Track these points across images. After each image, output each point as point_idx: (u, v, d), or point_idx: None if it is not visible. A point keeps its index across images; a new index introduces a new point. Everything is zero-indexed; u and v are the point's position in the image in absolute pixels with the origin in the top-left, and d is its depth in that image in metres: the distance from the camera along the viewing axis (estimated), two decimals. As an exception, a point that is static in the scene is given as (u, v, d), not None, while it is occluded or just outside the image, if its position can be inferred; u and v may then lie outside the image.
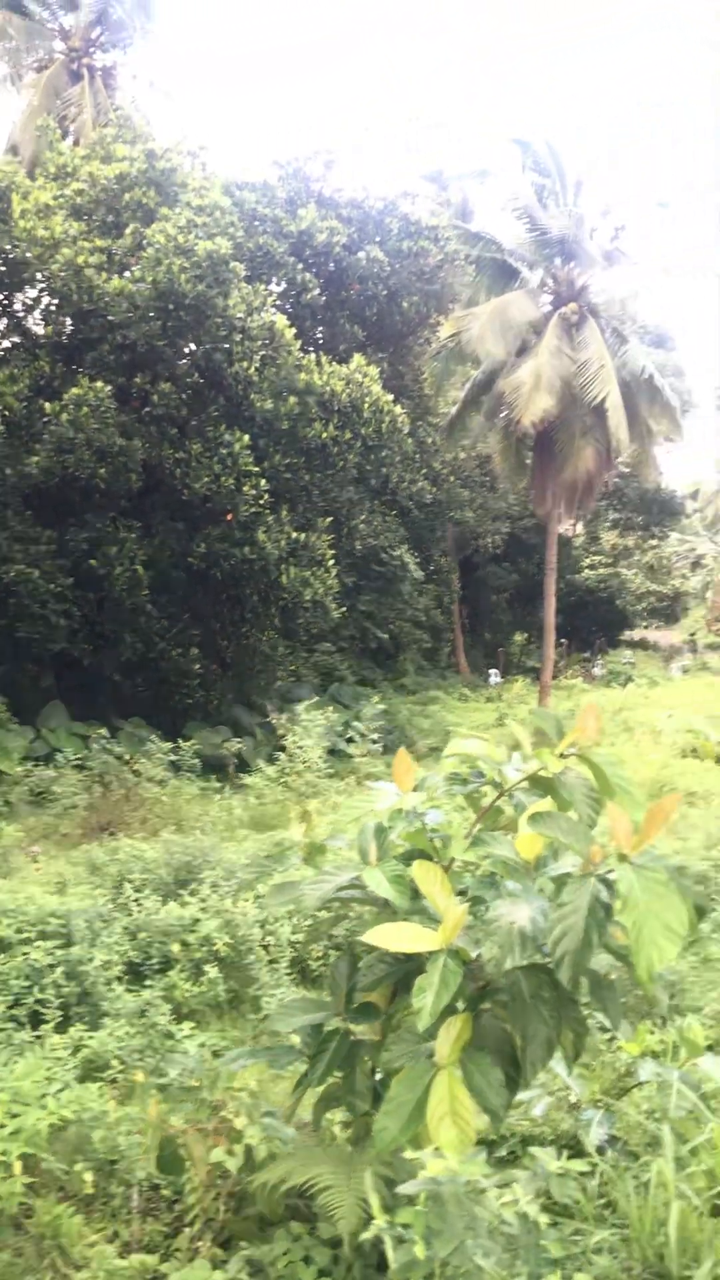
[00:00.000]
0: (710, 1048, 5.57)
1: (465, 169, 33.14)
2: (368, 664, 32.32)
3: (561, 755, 3.53)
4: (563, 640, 49.03)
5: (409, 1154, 2.37)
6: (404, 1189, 2.11)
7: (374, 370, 19.93)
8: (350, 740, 16.95)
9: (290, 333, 18.60)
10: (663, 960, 2.84)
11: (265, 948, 7.32)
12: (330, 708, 16.58)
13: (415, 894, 3.49)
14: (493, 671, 41.83)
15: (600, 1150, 3.73)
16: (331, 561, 19.51)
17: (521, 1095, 4.38)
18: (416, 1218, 2.01)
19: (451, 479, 31.31)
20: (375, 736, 15.84)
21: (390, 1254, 2.08)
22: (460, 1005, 3.19)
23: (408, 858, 3.66)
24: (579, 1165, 2.83)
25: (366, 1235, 2.08)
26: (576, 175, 28.95)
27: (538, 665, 34.06)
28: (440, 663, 40.90)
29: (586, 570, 53.85)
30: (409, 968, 3.37)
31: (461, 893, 3.50)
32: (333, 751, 16.41)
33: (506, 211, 29.69)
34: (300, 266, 21.54)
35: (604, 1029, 4.57)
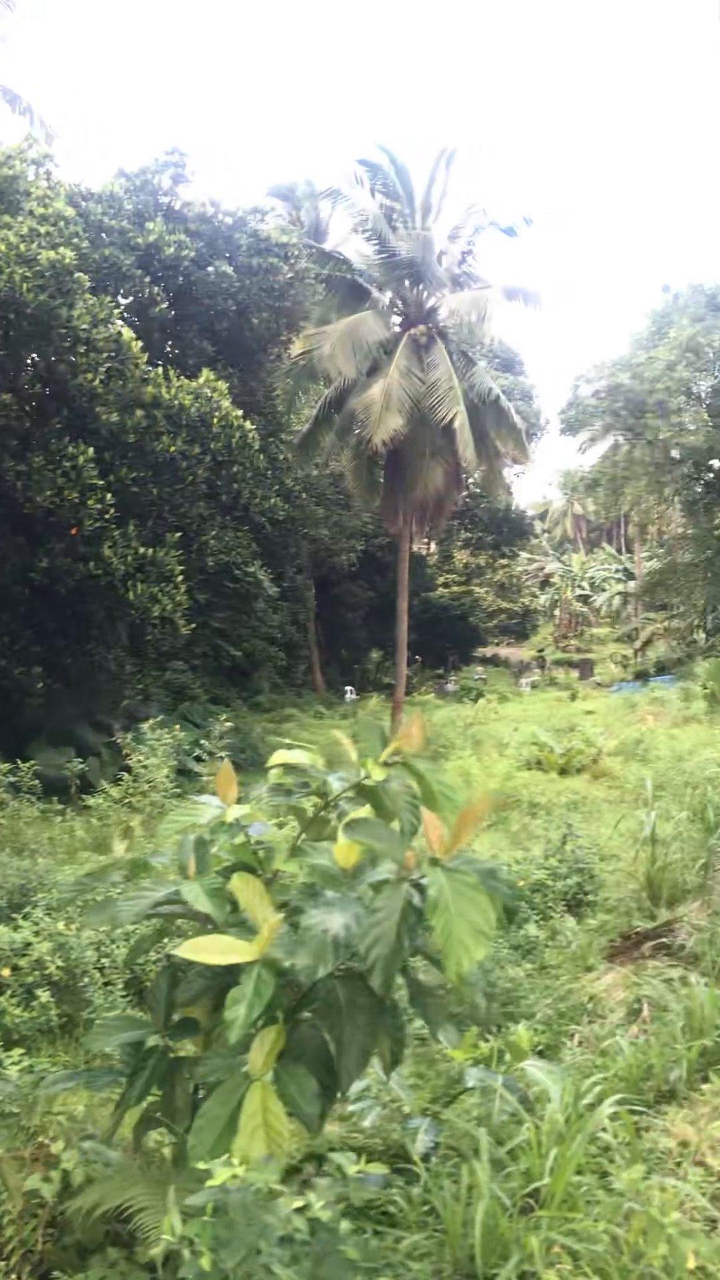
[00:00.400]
0: (542, 1052, 5.70)
1: (318, 188, 33.23)
2: (221, 682, 32.08)
3: (385, 764, 3.54)
4: (417, 657, 49.69)
5: (203, 1165, 2.32)
6: (191, 1200, 2.06)
7: (224, 385, 19.85)
8: (199, 759, 16.74)
9: (137, 345, 18.37)
10: (471, 960, 2.87)
11: (100, 970, 7.15)
12: (178, 726, 16.36)
13: (236, 906, 3.45)
14: (348, 688, 42.11)
15: (425, 1158, 3.75)
16: (181, 577, 19.28)
17: (352, 1106, 4.41)
18: (203, 1229, 1.96)
19: (305, 496, 31.41)
20: (225, 754, 15.66)
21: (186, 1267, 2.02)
22: (280, 1015, 3.16)
23: (232, 870, 3.61)
24: (379, 1168, 2.83)
25: (155, 1251, 2.03)
26: (424, 198, 29.49)
27: (394, 682, 34.40)
28: (296, 680, 40.93)
29: (440, 588, 54.77)
30: (228, 981, 3.32)
31: (285, 904, 3.48)
32: (182, 771, 16.18)
33: (358, 232, 30.11)
34: (148, 280, 21.32)
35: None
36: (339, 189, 28.68)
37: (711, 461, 44.87)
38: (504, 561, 60.69)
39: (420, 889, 3.12)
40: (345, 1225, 2.30)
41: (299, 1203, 2.16)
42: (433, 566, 55.49)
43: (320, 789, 3.81)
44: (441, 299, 29.71)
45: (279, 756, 3.84)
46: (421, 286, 29.75)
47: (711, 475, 45.59)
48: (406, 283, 29.81)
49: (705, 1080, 4.00)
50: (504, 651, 65.89)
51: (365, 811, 3.55)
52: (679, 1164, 3.39)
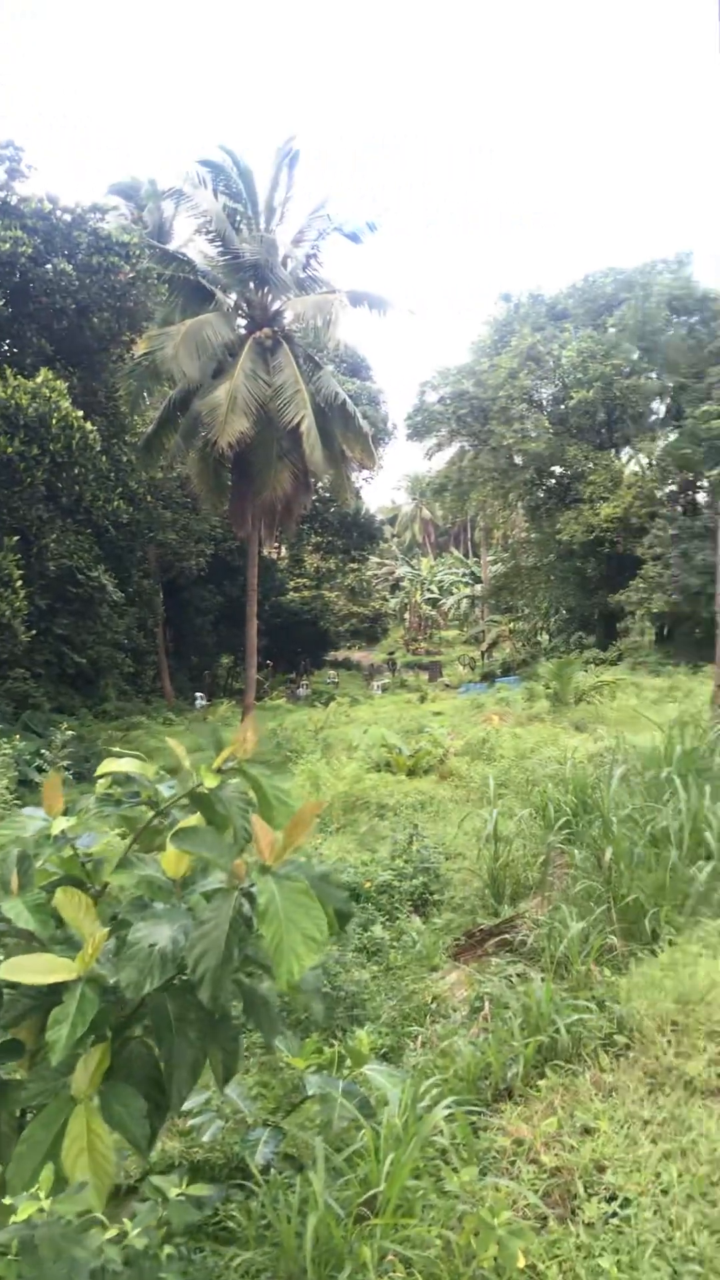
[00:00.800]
0: (386, 1055, 5.69)
1: (161, 187, 32.71)
2: (66, 690, 31.22)
3: (219, 770, 3.47)
4: (268, 662, 49.57)
5: (8, 1201, 2.20)
6: (-1, 1238, 1.94)
7: (63, 385, 19.34)
8: (40, 770, 16.23)
9: (-29, 343, 17.75)
10: (302, 968, 2.82)
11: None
12: (18, 736, 15.83)
13: (62, 922, 3.31)
14: (198, 695, 41.66)
15: (265, 1169, 3.68)
16: (20, 582, 18.68)
17: (193, 1120, 4.30)
18: (8, 1268, 1.85)
19: (150, 499, 30.89)
20: (67, 764, 15.23)
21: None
22: (108, 1033, 3.05)
23: (58, 885, 3.47)
24: (203, 1190, 2.75)
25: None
26: (267, 201, 29.42)
27: (244, 687, 34.18)
28: (144, 687, 40.22)
29: (291, 593, 54.73)
30: (53, 1000, 3.18)
31: (114, 917, 3.36)
32: (24, 782, 15.65)
33: (202, 233, 29.84)
34: (-18, 276, 20.63)
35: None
36: (181, 189, 28.34)
37: (553, 468, 46.24)
38: (354, 565, 61.00)
39: (251, 897, 3.05)
40: (168, 1250, 2.21)
41: (113, 1232, 2.06)
42: (283, 570, 55.41)
43: (151, 798, 3.70)
44: (287, 302, 29.70)
45: (107, 765, 3.72)
46: (266, 289, 29.68)
47: (553, 481, 46.98)
48: (251, 285, 29.69)
49: (541, 1076, 4.05)
50: (355, 655, 66.39)
51: (196, 820, 3.47)
52: (513, 1162, 3.41)
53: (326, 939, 2.92)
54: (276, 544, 53.34)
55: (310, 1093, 4.19)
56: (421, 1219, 3.04)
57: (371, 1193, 3.23)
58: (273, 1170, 3.71)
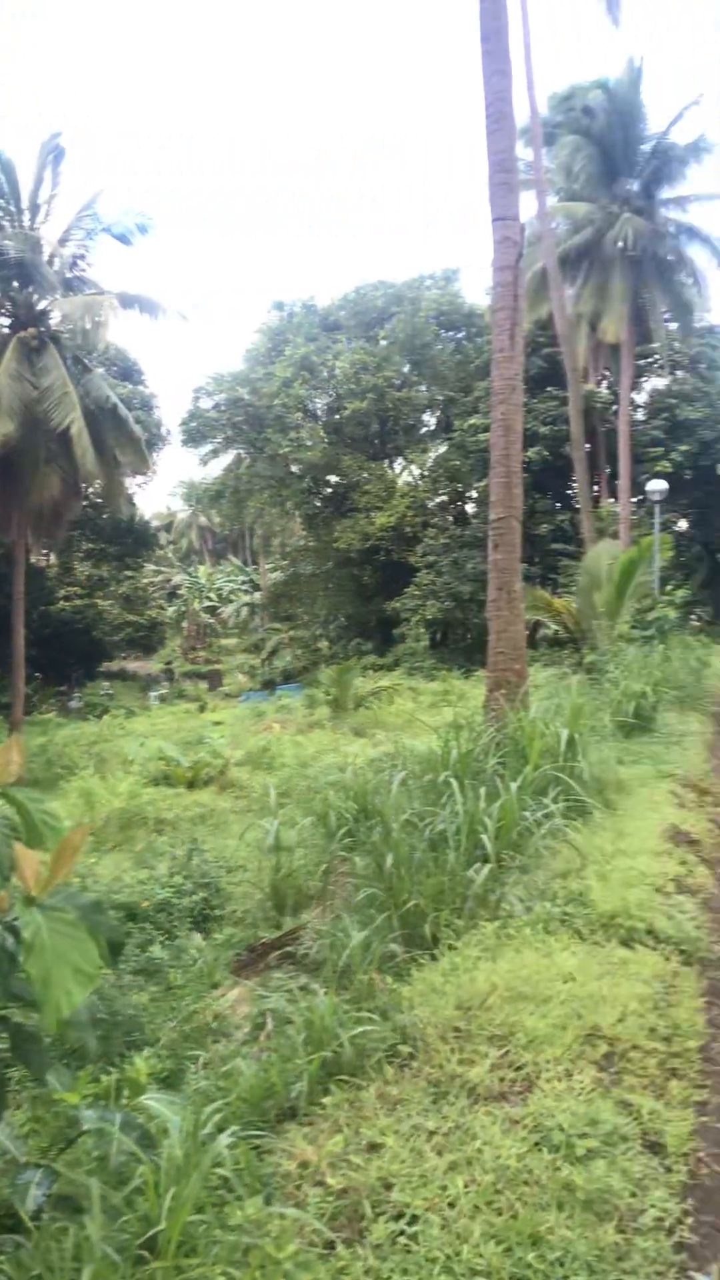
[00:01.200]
0: (167, 1079, 5.49)
1: None
2: None
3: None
4: (37, 674, 47.77)
5: None
6: None
7: None
8: None
9: None
10: (72, 1004, 2.65)
11: None
12: None
13: None
14: (-39, 710, 39.71)
15: (36, 1215, 3.44)
16: None
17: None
18: None
19: None
20: None
21: None
22: None
23: None
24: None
25: None
26: (31, 197, 28.52)
27: (10, 701, 32.79)
28: None
29: (61, 601, 53.02)
30: None
31: None
32: None
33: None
34: None
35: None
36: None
37: (329, 477, 46.82)
38: (129, 573, 59.73)
39: (15, 931, 2.85)
40: None
41: None
42: (52, 578, 53.57)
43: None
44: (54, 302, 28.85)
45: None
46: (31, 288, 28.74)
47: (329, 490, 47.56)
48: (15, 284, 28.70)
49: (326, 1093, 3.98)
50: (131, 665, 64.98)
51: (-48, 850, 3.22)
52: (299, 1186, 3.32)
53: (98, 971, 2.76)
54: (45, 551, 51.60)
55: (86, 1128, 3.99)
56: (205, 1257, 2.90)
57: (152, 1232, 3.08)
58: (45, 1215, 3.48)
